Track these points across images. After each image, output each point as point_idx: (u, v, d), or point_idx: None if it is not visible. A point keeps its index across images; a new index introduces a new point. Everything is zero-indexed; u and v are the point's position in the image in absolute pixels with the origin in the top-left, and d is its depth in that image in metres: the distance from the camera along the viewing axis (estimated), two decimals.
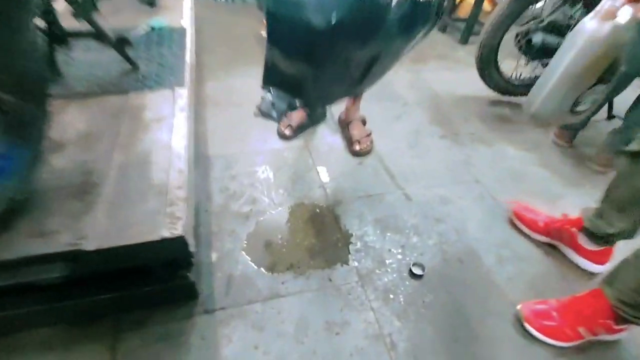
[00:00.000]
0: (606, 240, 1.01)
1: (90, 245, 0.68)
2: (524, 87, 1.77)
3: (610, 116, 1.58)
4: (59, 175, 0.81)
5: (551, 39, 1.50)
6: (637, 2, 0.72)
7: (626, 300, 0.80)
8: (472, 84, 1.83)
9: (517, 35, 1.64)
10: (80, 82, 1.12)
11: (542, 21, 1.57)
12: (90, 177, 0.82)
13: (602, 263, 1.05)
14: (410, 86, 1.90)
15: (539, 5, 1.62)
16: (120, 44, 1.15)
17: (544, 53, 1.53)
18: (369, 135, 1.46)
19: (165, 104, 1.08)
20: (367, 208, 1.20)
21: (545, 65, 1.53)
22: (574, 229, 1.06)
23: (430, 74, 2.03)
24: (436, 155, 1.46)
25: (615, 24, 0.80)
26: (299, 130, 1.48)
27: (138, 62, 1.23)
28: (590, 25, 0.91)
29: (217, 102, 1.61)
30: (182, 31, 1.52)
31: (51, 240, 0.69)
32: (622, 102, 1.33)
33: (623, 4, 0.78)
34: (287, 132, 1.45)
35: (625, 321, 0.82)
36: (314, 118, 1.55)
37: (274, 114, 1.55)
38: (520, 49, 1.62)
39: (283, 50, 0.79)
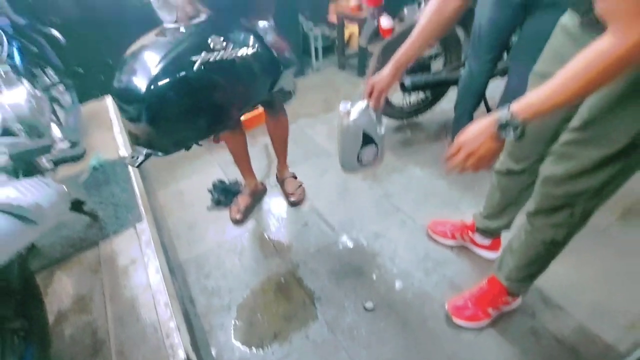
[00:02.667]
0: (492, 233, 1.37)
1: None
2: (415, 109, 2.18)
3: (488, 109, 2.00)
4: (71, 344, 1.01)
5: (417, 78, 1.90)
6: (370, 97, 1.03)
7: (512, 277, 1.14)
8: None
9: None
10: (55, 248, 1.31)
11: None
12: (96, 335, 1.03)
13: (496, 250, 1.41)
14: (328, 137, 2.23)
15: None
16: (77, 206, 1.35)
17: (418, 87, 1.93)
18: (300, 186, 1.80)
19: (132, 245, 1.30)
20: (319, 263, 1.48)
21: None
22: (470, 232, 1.42)
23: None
24: (362, 197, 1.78)
25: (352, 118, 1.07)
26: (247, 211, 1.74)
27: (96, 210, 1.43)
28: (342, 121, 1.13)
29: (171, 209, 1.83)
30: (122, 162, 1.73)
31: None
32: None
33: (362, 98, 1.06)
34: (239, 216, 1.70)
35: (515, 294, 1.17)
36: None
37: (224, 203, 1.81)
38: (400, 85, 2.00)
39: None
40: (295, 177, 1.83)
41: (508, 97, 1.56)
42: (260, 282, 1.44)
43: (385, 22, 1.65)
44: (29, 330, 0.82)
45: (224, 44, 0.91)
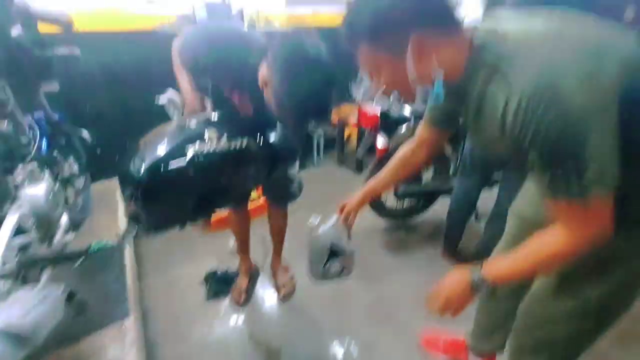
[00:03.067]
0: (486, 354, 1.34)
1: None
2: (408, 212, 2.29)
3: (477, 217, 2.10)
4: None
5: (409, 187, 2.05)
6: (341, 212, 1.13)
7: None
8: (373, 215, 2.27)
9: None
10: (37, 339, 1.24)
11: None
12: None
13: None
14: None
15: None
16: (69, 299, 1.31)
17: (409, 195, 2.07)
18: (292, 279, 1.82)
19: (116, 343, 1.24)
20: None
21: None
22: (464, 352, 1.38)
23: None
24: (356, 299, 1.76)
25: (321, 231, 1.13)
26: (249, 292, 1.76)
27: (85, 300, 1.38)
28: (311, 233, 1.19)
29: (161, 300, 1.76)
30: (119, 249, 1.73)
31: None
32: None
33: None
34: (243, 298, 1.73)
35: None
36: None
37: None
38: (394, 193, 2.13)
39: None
40: (288, 270, 1.84)
41: (499, 213, 1.66)
42: None
43: (380, 142, 1.84)
44: None
45: (218, 135, 1.01)
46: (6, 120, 1.21)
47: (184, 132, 1.02)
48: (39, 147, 1.40)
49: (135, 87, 2.33)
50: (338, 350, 1.50)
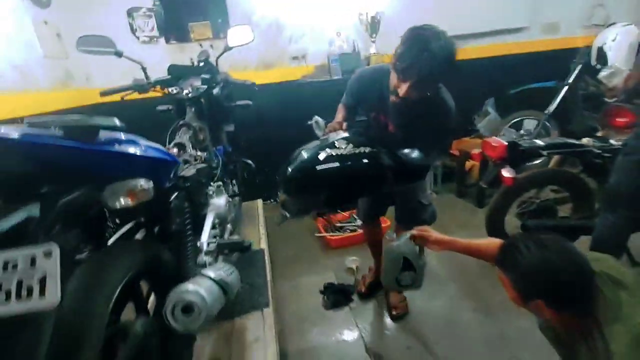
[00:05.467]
0: None
1: None
2: None
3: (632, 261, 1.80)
4: None
5: (541, 222, 1.90)
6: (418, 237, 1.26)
7: None
8: None
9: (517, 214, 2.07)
10: (232, 294, 1.64)
11: (532, 204, 2.01)
12: None
13: None
14: (440, 262, 2.29)
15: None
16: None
17: (540, 230, 1.91)
18: (404, 300, 1.89)
19: (259, 325, 1.56)
20: None
21: None
22: None
23: None
24: (473, 333, 1.71)
25: (396, 243, 1.31)
26: (371, 288, 1.97)
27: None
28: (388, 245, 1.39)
29: (288, 301, 2.09)
30: (261, 253, 2.15)
31: None
32: None
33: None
34: (364, 289, 1.97)
35: None
36: None
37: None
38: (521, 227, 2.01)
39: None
40: (401, 291, 1.92)
41: None
42: None
43: (506, 173, 1.79)
44: None
45: (346, 144, 1.28)
46: (205, 152, 1.74)
47: (321, 143, 1.33)
48: (221, 172, 1.91)
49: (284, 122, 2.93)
50: None
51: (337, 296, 2.02)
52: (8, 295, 0.56)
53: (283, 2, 3.06)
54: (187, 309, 0.83)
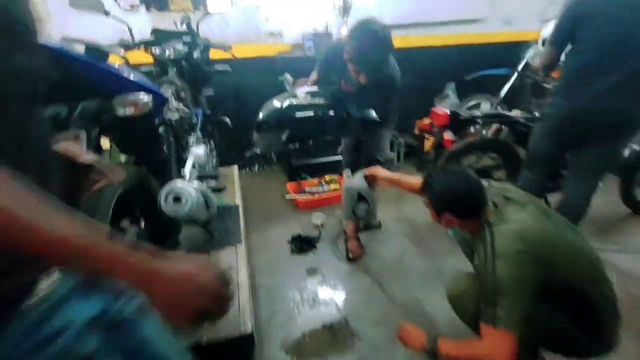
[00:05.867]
0: None
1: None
2: None
3: None
4: None
5: None
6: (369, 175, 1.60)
7: None
8: None
9: None
10: (187, 249, 1.89)
11: (471, 168, 2.35)
12: None
13: None
14: (392, 220, 2.61)
15: None
16: (206, 225, 1.95)
17: None
18: (360, 247, 2.18)
19: (232, 256, 1.81)
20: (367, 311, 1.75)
21: None
22: None
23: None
24: (414, 270, 2.04)
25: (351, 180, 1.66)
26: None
27: (213, 231, 2.02)
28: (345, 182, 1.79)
29: (258, 249, 2.35)
30: (236, 207, 2.38)
31: None
32: None
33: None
34: (360, 253, 2.18)
35: None
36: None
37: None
38: None
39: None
40: (359, 239, 2.22)
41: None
42: (313, 316, 1.76)
43: (447, 136, 2.13)
44: None
45: (307, 96, 1.57)
46: (186, 108, 1.94)
47: (288, 94, 1.62)
48: (199, 127, 2.12)
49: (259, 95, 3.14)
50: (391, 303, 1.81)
51: (303, 244, 2.29)
52: None
53: None
54: (177, 199, 1.07)
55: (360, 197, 1.57)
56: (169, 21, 3.08)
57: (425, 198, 1.27)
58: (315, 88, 1.70)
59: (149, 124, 1.05)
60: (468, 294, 1.25)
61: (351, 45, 1.64)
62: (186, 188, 1.06)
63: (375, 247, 2.27)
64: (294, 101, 1.54)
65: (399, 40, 3.76)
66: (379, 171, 1.59)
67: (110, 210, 0.95)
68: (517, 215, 1.13)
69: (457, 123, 2.14)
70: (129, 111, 0.92)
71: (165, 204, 1.05)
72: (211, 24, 3.20)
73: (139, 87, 1.01)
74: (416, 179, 1.48)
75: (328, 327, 1.68)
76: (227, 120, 2.60)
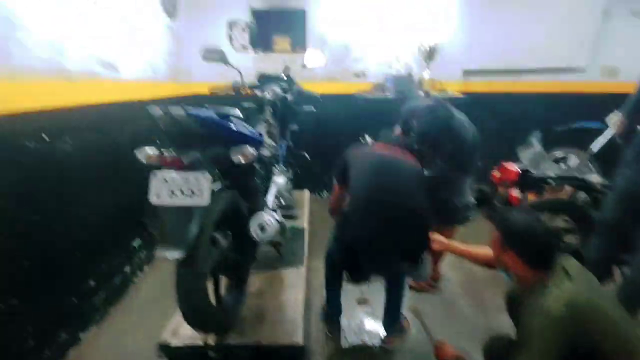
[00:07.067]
0: None
1: None
2: None
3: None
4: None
5: None
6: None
7: None
8: None
9: None
10: (259, 264, 2.18)
11: None
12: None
13: None
14: (451, 269, 2.62)
15: None
16: (276, 244, 2.24)
17: None
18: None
19: (294, 277, 2.07)
20: None
21: None
22: None
23: None
24: (464, 318, 2.05)
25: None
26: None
27: (282, 252, 2.30)
28: None
29: (318, 270, 2.56)
30: (303, 231, 2.66)
31: None
32: None
33: None
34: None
35: None
36: None
37: None
38: None
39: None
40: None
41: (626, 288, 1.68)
42: (357, 344, 1.90)
43: (514, 193, 2.12)
44: None
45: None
46: (273, 142, 2.30)
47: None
48: (282, 159, 2.47)
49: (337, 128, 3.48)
50: None
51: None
52: (182, 192, 1.12)
53: (353, 27, 3.58)
54: (263, 227, 1.36)
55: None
56: (271, 60, 3.64)
57: (494, 230, 1.24)
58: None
59: (250, 164, 1.36)
60: (501, 350, 1.28)
61: (419, 129, 1.78)
62: (271, 220, 1.36)
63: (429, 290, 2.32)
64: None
65: (484, 85, 3.78)
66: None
67: (214, 224, 1.27)
68: (570, 287, 1.14)
69: (527, 181, 2.12)
70: (241, 159, 1.24)
71: (253, 231, 1.35)
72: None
73: (249, 138, 1.34)
74: (485, 250, 1.49)
75: (368, 357, 1.81)
76: (307, 156, 2.92)
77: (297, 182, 3.21)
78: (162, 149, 1.20)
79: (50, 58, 1.73)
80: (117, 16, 2.37)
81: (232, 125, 1.25)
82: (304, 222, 2.90)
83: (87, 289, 2.00)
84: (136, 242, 2.53)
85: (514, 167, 2.15)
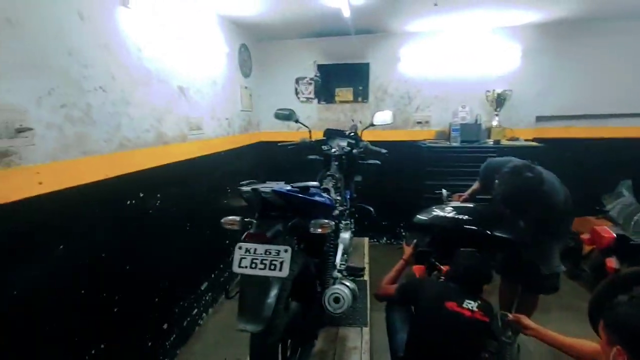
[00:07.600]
0: None
1: None
2: None
3: None
4: None
5: None
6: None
7: None
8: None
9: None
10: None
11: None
12: None
13: None
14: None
15: None
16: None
17: None
18: None
19: (357, 338, 2.00)
20: None
21: None
22: None
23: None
24: None
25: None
26: None
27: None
28: None
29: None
30: (364, 283, 2.58)
31: None
32: None
33: None
34: None
35: None
36: None
37: None
38: None
39: None
40: None
41: None
42: None
43: (610, 263, 1.86)
44: None
45: (453, 211, 1.76)
46: (339, 196, 2.33)
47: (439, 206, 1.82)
48: (346, 211, 2.48)
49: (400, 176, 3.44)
50: None
51: None
52: (264, 265, 1.17)
53: (415, 78, 3.63)
54: (337, 299, 1.35)
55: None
56: (333, 110, 3.80)
57: (602, 323, 1.10)
58: (465, 204, 1.84)
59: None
60: None
61: (501, 189, 1.68)
62: (345, 290, 1.36)
63: None
64: (440, 212, 1.71)
65: (561, 131, 3.53)
66: (526, 323, 1.46)
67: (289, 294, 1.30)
68: None
69: (625, 249, 1.87)
70: (319, 230, 1.28)
71: (328, 305, 1.36)
72: (365, 111, 3.75)
73: (325, 205, 1.39)
74: (581, 343, 1.32)
75: None
76: (372, 210, 2.90)
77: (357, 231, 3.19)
78: (245, 219, 1.29)
79: (151, 127, 2.00)
80: (208, 82, 2.68)
81: (314, 198, 1.30)
82: (365, 274, 2.83)
83: (160, 332, 2.12)
84: (204, 285, 2.67)
85: (608, 232, 1.91)
